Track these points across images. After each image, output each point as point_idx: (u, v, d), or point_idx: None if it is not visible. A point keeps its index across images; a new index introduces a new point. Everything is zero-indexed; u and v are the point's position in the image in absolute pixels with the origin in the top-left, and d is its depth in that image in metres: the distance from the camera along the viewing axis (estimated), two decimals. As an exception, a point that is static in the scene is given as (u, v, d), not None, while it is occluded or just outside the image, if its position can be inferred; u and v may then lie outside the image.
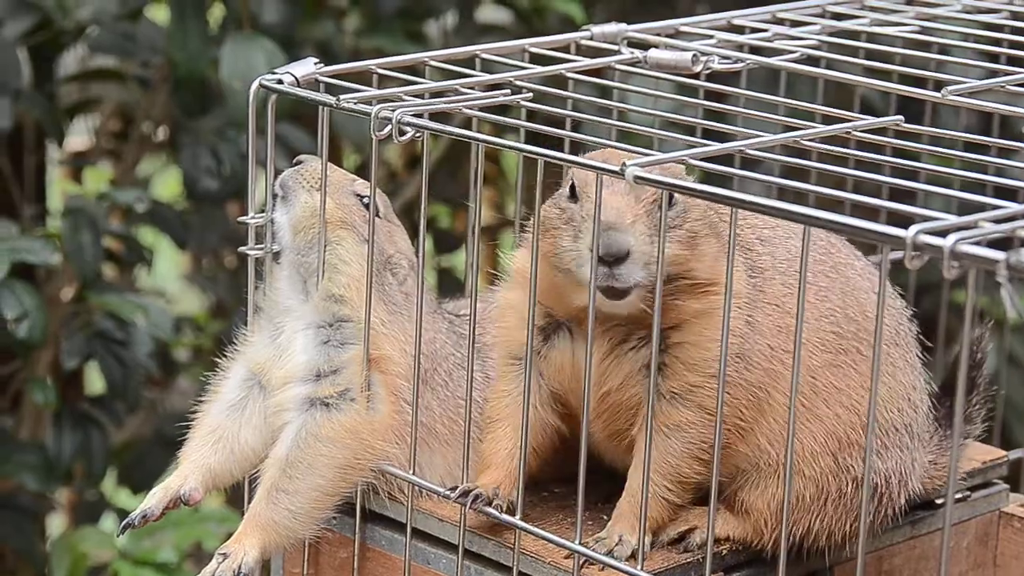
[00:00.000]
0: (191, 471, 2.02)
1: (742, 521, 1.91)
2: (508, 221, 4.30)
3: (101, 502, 3.65)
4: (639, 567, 1.79)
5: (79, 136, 4.14)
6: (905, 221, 1.51)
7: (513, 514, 1.86)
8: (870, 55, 2.29)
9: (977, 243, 1.46)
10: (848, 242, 2.03)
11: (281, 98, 2.74)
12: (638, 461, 1.85)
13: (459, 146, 3.93)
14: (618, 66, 2.15)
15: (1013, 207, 1.55)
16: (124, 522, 2.00)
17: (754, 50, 2.21)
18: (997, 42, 2.31)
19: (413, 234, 4.63)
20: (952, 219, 1.51)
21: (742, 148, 1.76)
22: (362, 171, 3.88)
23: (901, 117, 1.88)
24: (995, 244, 1.47)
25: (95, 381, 3.79)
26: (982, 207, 1.56)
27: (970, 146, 2.01)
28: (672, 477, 1.86)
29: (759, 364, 1.85)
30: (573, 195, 1.83)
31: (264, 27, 3.22)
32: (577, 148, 2.05)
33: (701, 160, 1.73)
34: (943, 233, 1.48)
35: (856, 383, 1.90)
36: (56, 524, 4.10)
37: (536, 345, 1.90)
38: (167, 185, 4.47)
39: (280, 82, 2.00)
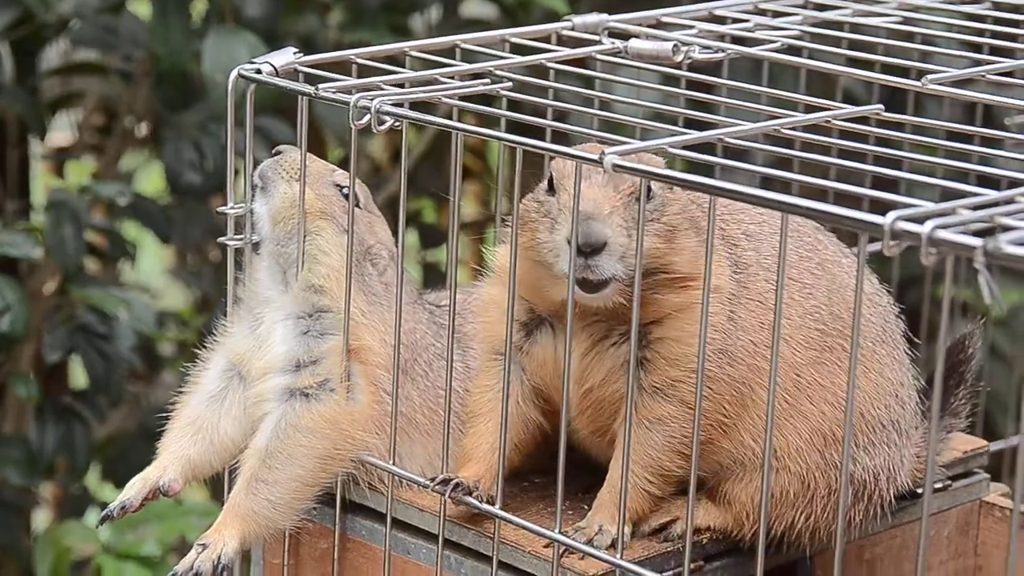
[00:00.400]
0: (170, 462, 2.01)
1: (724, 512, 1.91)
2: (493, 216, 4.30)
3: (85, 497, 3.64)
4: (618, 556, 1.79)
5: (62, 132, 4.13)
6: (886, 210, 1.51)
7: (493, 506, 1.86)
8: (853, 46, 2.29)
9: (955, 230, 1.46)
10: (835, 239, 2.03)
11: (263, 91, 2.73)
12: (619, 452, 1.85)
13: (443, 140, 3.92)
14: (599, 56, 2.15)
15: (992, 194, 1.55)
16: (103, 513, 2.00)
17: (736, 40, 2.21)
18: (980, 32, 2.32)
19: (398, 227, 4.60)
20: (930, 206, 1.51)
21: (721, 136, 1.76)
22: (346, 164, 3.86)
23: (881, 106, 1.88)
24: (979, 235, 1.46)
25: (79, 375, 3.77)
26: (962, 195, 1.55)
27: (953, 136, 2.02)
28: (653, 470, 1.86)
29: (742, 360, 1.85)
30: (551, 187, 1.83)
31: (247, 21, 3.21)
32: (559, 138, 2.05)
33: (680, 149, 1.73)
34: (921, 220, 1.48)
35: (842, 380, 1.90)
36: (41, 519, 4.09)
37: (518, 340, 1.90)
38: (151, 180, 4.46)
39: (259, 72, 2.00)
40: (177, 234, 3.54)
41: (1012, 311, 3.71)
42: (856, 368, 1.91)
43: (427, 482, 1.90)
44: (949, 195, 1.56)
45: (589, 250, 1.75)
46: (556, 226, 1.79)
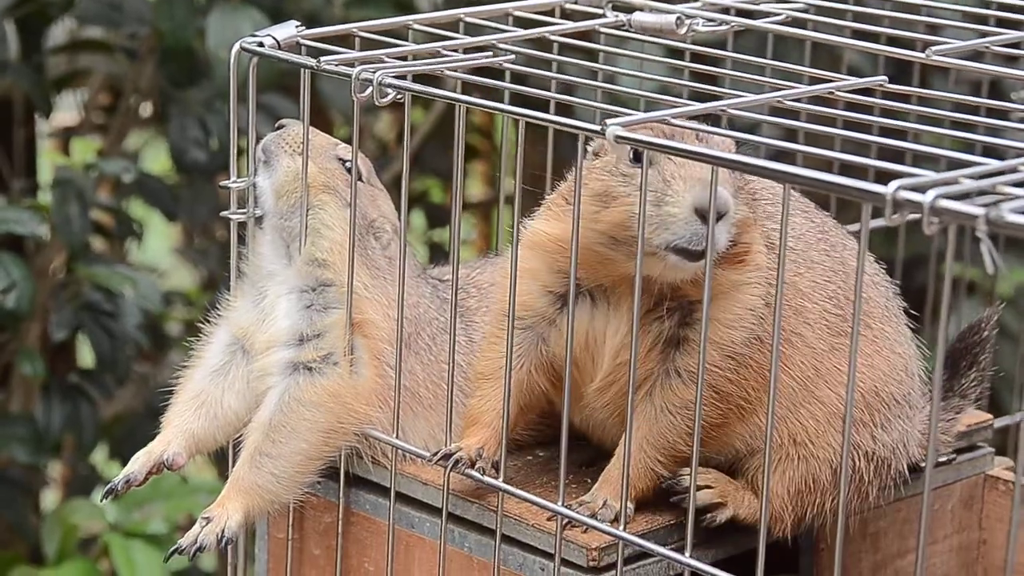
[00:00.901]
0: (174, 436, 2.01)
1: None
2: (498, 196, 4.29)
3: (93, 476, 3.65)
4: (621, 529, 1.79)
5: (69, 111, 4.13)
6: (889, 181, 1.50)
7: (498, 473, 1.85)
8: (858, 18, 2.28)
9: (957, 199, 1.45)
10: (838, 224, 2.02)
11: (268, 69, 2.72)
12: (631, 428, 1.83)
13: (449, 119, 3.90)
14: (602, 29, 2.14)
15: (993, 163, 1.54)
16: (107, 487, 2.00)
17: (740, 13, 2.20)
18: (987, 4, 2.30)
19: (407, 205, 4.60)
20: (933, 175, 1.50)
21: (723, 108, 1.75)
22: (351, 141, 3.87)
23: (885, 77, 1.87)
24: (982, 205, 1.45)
25: (86, 354, 3.78)
26: (966, 165, 1.55)
27: (962, 109, 2.01)
28: (667, 451, 1.86)
29: (771, 345, 1.84)
30: (637, 159, 1.76)
31: (252, -2, 3.21)
32: (563, 111, 2.04)
33: (683, 120, 1.72)
34: (923, 189, 1.47)
35: (857, 363, 1.89)
36: (50, 499, 4.10)
37: (550, 312, 1.88)
38: (157, 159, 4.46)
39: (261, 45, 1.99)
40: (184, 213, 3.54)
41: (1020, 289, 3.70)
42: (870, 348, 1.93)
43: (430, 456, 1.90)
44: (953, 166, 1.55)
45: (718, 218, 1.69)
46: (666, 197, 1.72)
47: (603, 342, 1.86)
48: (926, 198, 1.45)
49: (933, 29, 2.29)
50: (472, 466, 1.86)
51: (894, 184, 1.48)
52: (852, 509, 1.94)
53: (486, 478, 1.87)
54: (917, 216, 1.47)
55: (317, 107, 3.61)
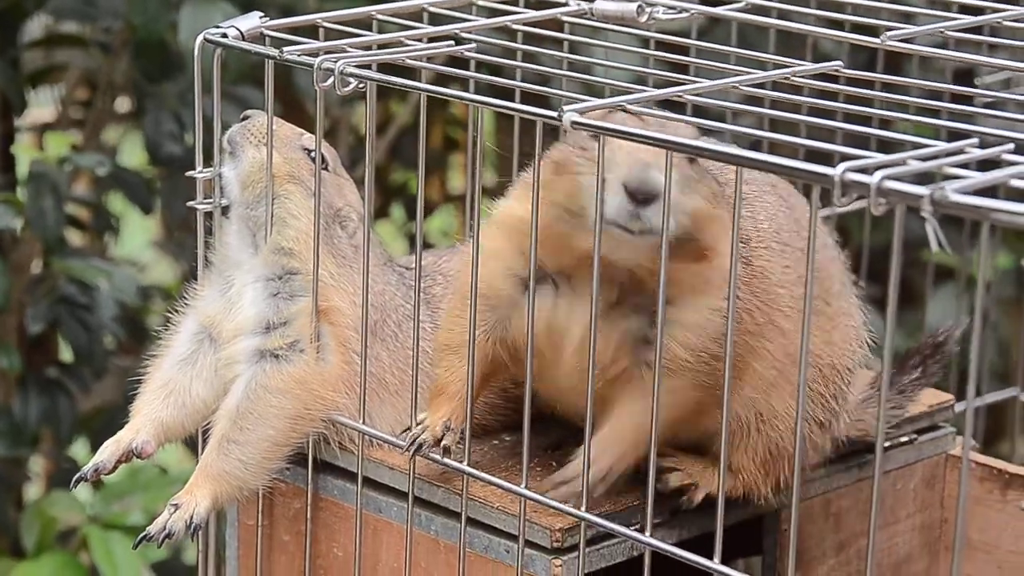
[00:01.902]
0: (143, 424, 2.04)
1: (735, 479, 1.93)
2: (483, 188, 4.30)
3: (74, 469, 3.65)
4: (583, 509, 1.81)
5: (47, 107, 4.14)
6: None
7: (463, 443, 1.87)
8: (822, 5, 2.30)
9: (904, 180, 1.48)
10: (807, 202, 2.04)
11: (239, 61, 2.73)
12: (606, 417, 1.85)
13: (428, 111, 3.93)
14: (565, 18, 2.16)
15: (940, 145, 1.56)
16: (77, 476, 2.02)
17: (702, 1, 2.22)
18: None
19: (385, 198, 4.60)
20: (880, 157, 1.53)
21: (680, 94, 1.77)
22: (329, 135, 3.89)
23: (840, 62, 1.89)
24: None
25: (66, 349, 3.79)
26: (916, 147, 1.57)
27: (933, 95, 2.03)
28: (642, 436, 1.87)
29: (745, 340, 1.85)
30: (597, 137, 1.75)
31: (225, -9, 3.22)
32: (531, 100, 2.05)
33: (642, 106, 1.74)
34: (871, 171, 1.49)
35: (819, 339, 1.92)
36: (33, 493, 4.12)
37: (513, 294, 1.88)
38: (136, 153, 4.47)
39: (225, 36, 2.01)
40: (163, 207, 3.55)
41: (999, 276, 3.73)
42: (829, 325, 1.95)
43: (400, 442, 1.91)
44: (905, 149, 1.58)
45: (642, 197, 1.70)
46: (605, 172, 1.71)
47: (566, 331, 1.87)
48: (872, 179, 1.47)
49: (907, 17, 2.31)
50: (438, 443, 1.88)
51: (842, 166, 1.50)
52: (813, 476, 1.98)
53: (451, 462, 1.89)
54: (865, 199, 1.49)
55: (292, 100, 3.63)
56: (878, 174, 1.48)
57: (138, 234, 4.98)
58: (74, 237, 3.79)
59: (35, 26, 3.68)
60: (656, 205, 1.70)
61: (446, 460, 1.89)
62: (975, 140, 1.58)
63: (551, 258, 1.84)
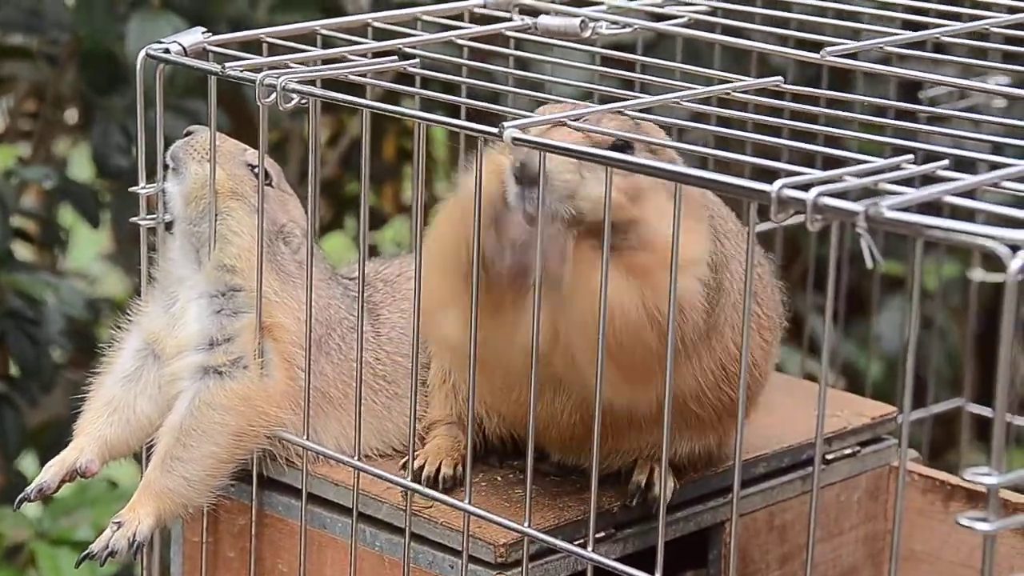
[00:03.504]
0: (87, 443, 2.02)
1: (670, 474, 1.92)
2: (432, 198, 4.30)
3: (23, 484, 3.63)
4: (526, 525, 1.81)
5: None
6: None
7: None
8: (767, 20, 2.31)
9: (840, 197, 1.49)
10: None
11: (189, 75, 2.71)
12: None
13: (380, 123, 3.93)
14: (509, 33, 2.16)
15: (878, 161, 1.58)
16: (20, 496, 2.01)
17: (646, 16, 2.23)
18: (892, 7, 2.34)
19: (338, 209, 4.58)
20: (817, 173, 1.54)
21: (620, 110, 1.78)
22: (279, 147, 3.88)
23: (780, 78, 1.91)
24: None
25: (13, 363, 3.76)
26: (858, 163, 1.58)
27: (879, 111, 2.04)
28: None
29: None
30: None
31: (174, 4, 3.21)
32: (475, 114, 2.05)
33: (580, 122, 1.75)
34: (807, 187, 1.50)
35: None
36: (-19, 508, 4.08)
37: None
38: (85, 166, 4.44)
39: (168, 51, 2.00)
40: (113, 220, 3.53)
41: (945, 285, 3.76)
42: (765, 333, 1.97)
43: (341, 456, 1.93)
44: (845, 165, 1.59)
45: (527, 180, 1.70)
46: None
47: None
48: (809, 196, 1.49)
49: (856, 33, 2.32)
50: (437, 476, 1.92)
51: (778, 183, 1.51)
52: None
53: (394, 477, 1.90)
54: (802, 215, 1.50)
55: (246, 115, 3.61)
56: (814, 191, 1.49)
57: (89, 246, 4.95)
58: (23, 250, 3.76)
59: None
60: (545, 189, 1.69)
61: (387, 475, 1.90)
62: (911, 156, 1.60)
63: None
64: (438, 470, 1.93)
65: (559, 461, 1.99)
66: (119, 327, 2.08)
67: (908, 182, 1.56)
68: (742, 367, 1.63)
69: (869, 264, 1.44)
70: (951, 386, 3.57)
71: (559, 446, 1.96)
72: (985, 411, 2.76)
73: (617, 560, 1.79)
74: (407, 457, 1.93)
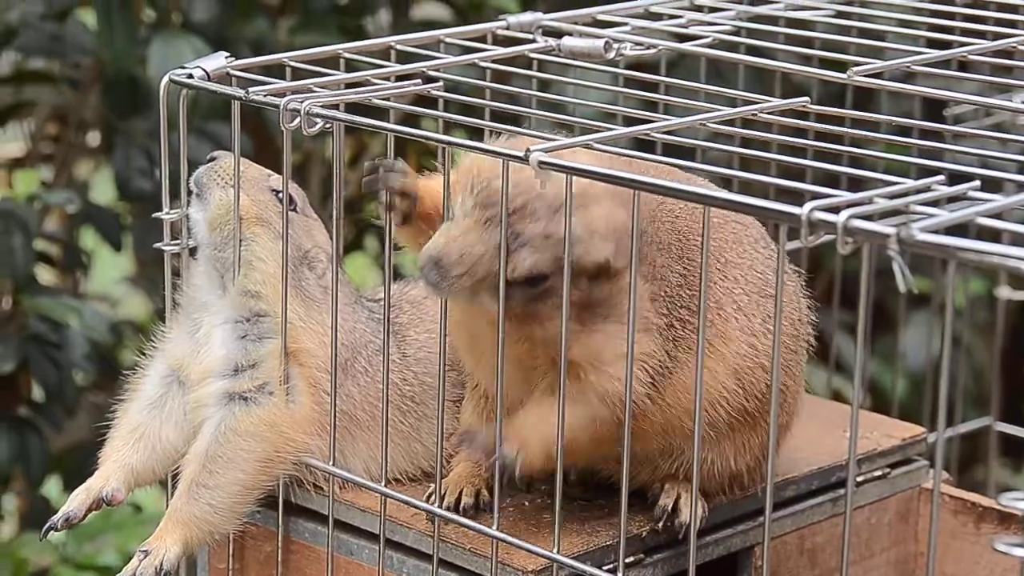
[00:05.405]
0: (113, 471, 2.02)
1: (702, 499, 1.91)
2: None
3: (48, 509, 3.63)
4: (555, 551, 1.80)
5: (15, 143, 4.11)
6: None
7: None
8: (790, 40, 2.30)
9: (871, 219, 1.48)
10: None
11: (213, 98, 2.72)
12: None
13: (402, 143, 3.92)
14: (532, 55, 2.16)
15: (907, 183, 1.56)
16: (47, 526, 2.00)
17: (670, 37, 2.22)
18: (916, 26, 2.33)
19: (359, 230, 4.58)
20: (847, 196, 1.53)
21: (647, 132, 1.77)
22: (300, 170, 3.88)
23: (807, 98, 1.89)
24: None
25: (37, 387, 3.76)
26: (886, 184, 1.57)
27: (904, 130, 2.02)
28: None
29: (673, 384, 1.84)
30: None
31: (194, 26, 3.21)
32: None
33: (606, 144, 1.74)
34: (837, 210, 1.49)
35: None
36: (6, 532, 4.08)
37: None
38: (108, 189, 4.45)
39: (191, 76, 2.00)
40: (136, 243, 3.54)
41: (972, 301, 3.73)
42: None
43: (368, 482, 1.92)
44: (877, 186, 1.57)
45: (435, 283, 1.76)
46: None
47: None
48: (839, 218, 1.47)
49: (879, 51, 2.31)
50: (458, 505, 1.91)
51: (808, 205, 1.50)
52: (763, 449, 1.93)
53: (421, 503, 1.88)
54: (832, 236, 1.49)
55: (264, 136, 3.61)
56: (845, 213, 1.48)
57: (111, 269, 4.95)
58: (46, 274, 3.76)
59: (3, 63, 3.66)
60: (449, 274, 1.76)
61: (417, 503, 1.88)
62: (941, 177, 1.59)
63: None
64: (458, 499, 1.92)
65: (580, 477, 1.98)
66: (143, 353, 2.07)
67: (936, 202, 1.54)
68: (773, 387, 1.61)
69: (902, 288, 1.43)
70: (976, 403, 3.55)
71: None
72: (1014, 430, 2.73)
73: (647, 585, 1.78)
74: (432, 486, 1.92)
